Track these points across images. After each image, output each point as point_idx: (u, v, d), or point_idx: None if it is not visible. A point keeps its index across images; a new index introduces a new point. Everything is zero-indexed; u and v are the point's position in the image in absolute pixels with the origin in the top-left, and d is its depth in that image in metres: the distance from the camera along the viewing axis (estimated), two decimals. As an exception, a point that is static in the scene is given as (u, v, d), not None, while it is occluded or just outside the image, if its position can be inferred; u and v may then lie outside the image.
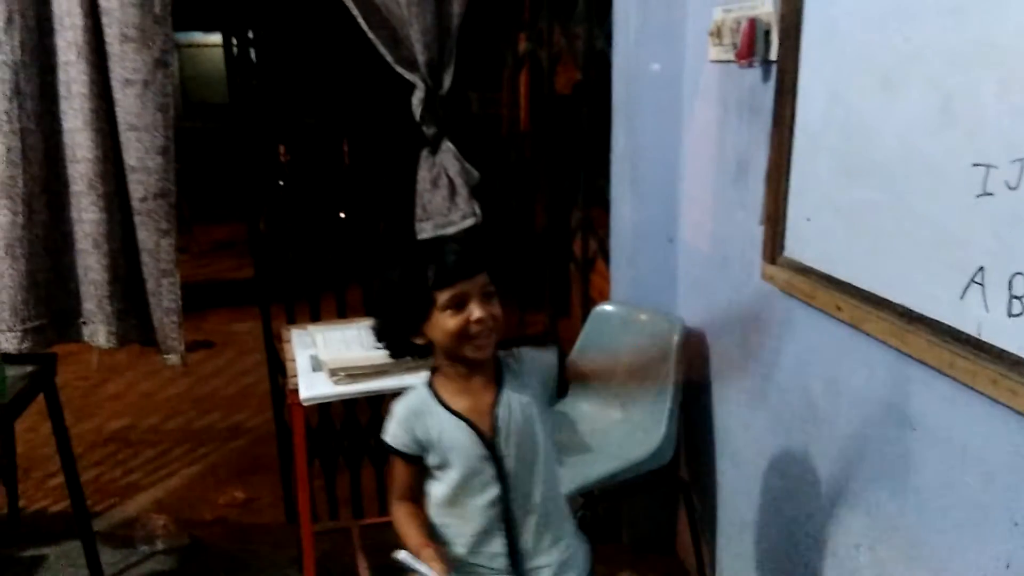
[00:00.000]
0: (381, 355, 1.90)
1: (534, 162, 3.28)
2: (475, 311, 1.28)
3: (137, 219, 2.19)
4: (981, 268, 1.17)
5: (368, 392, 1.90)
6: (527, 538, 1.38)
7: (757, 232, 1.79)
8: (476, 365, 1.34)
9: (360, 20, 2.21)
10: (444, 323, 1.28)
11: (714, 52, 1.98)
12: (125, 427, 3.64)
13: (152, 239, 2.19)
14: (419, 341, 1.33)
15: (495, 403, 1.35)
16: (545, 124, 2.94)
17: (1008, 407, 1.13)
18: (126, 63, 2.05)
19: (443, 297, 1.27)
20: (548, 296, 2.87)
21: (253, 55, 2.59)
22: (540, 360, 1.44)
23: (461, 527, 1.38)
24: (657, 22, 2.16)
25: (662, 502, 2.52)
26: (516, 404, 1.36)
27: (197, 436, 3.54)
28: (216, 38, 6.98)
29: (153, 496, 3.01)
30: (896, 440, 1.41)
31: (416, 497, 1.40)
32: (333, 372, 1.88)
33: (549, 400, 1.43)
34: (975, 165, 1.16)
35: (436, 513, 1.39)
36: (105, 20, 2.04)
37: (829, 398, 1.61)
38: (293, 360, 2.03)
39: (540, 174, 3.17)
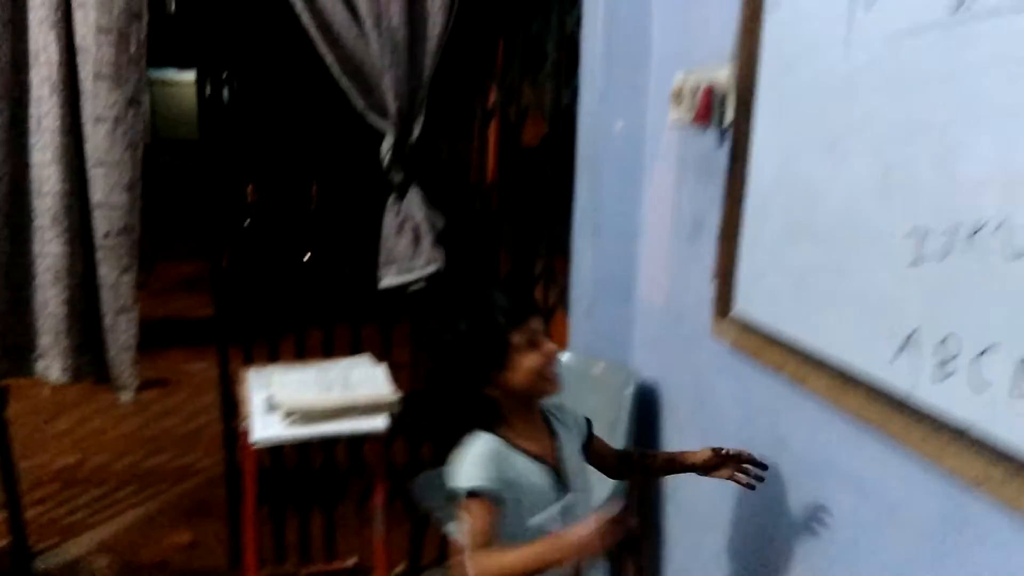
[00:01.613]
0: (338, 397, 1.92)
1: (500, 211, 3.34)
2: (549, 345, 1.33)
3: (99, 254, 2.18)
4: (913, 331, 1.23)
5: (324, 435, 1.90)
6: None
7: (709, 289, 1.85)
8: (538, 408, 1.38)
9: (333, 68, 2.27)
10: (525, 363, 1.30)
11: (674, 114, 2.05)
12: (72, 464, 3.55)
13: (113, 274, 2.19)
14: (493, 393, 1.32)
15: (557, 447, 1.39)
16: (512, 174, 3.01)
17: (936, 467, 1.18)
18: (98, 101, 2.07)
19: (518, 338, 1.30)
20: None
21: (226, 94, 2.62)
22: (577, 418, 1.50)
23: None
24: (621, 82, 2.24)
25: (610, 553, 2.52)
26: (571, 451, 1.42)
27: (145, 476, 3.47)
28: (189, 76, 7.01)
29: (97, 536, 2.94)
30: (834, 498, 1.45)
31: (497, 543, 1.31)
32: (288, 413, 1.88)
33: None
34: (910, 233, 1.22)
35: None
36: (80, 58, 2.06)
37: (775, 453, 1.65)
38: (248, 400, 2.03)
39: (505, 222, 3.23)
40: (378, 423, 1.90)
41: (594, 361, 2.36)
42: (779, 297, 1.59)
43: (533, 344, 1.31)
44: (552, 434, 1.41)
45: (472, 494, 1.28)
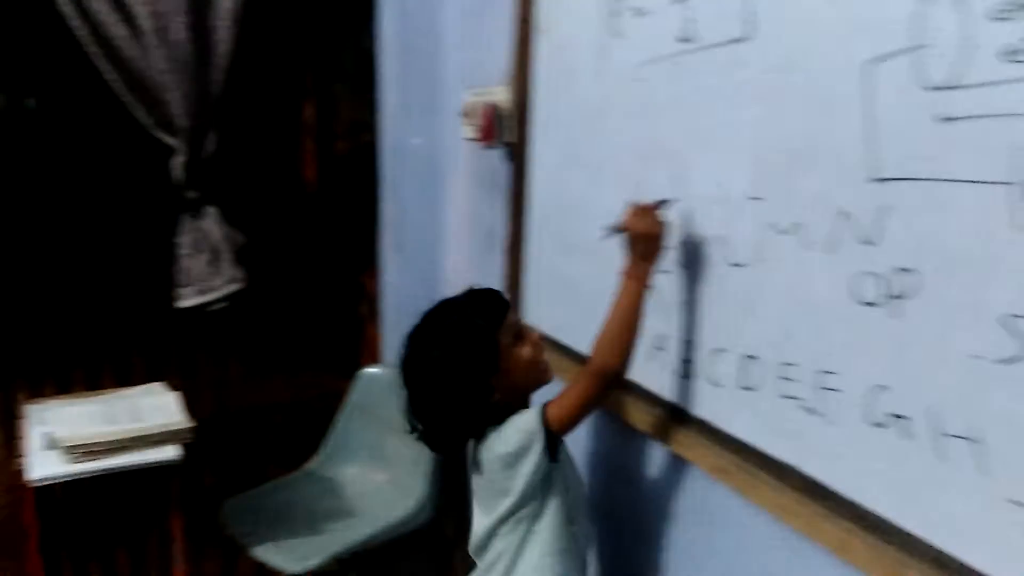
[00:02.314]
0: (123, 429, 1.84)
1: (319, 224, 3.29)
2: (533, 333, 1.31)
3: None
4: (662, 336, 1.34)
5: (109, 469, 1.80)
6: None
7: (502, 300, 1.92)
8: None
9: (115, 84, 2.16)
10: (518, 357, 1.27)
11: (466, 131, 2.12)
12: None
13: None
14: (496, 398, 1.26)
15: None
16: (328, 188, 2.98)
17: (686, 457, 1.30)
18: None
19: (505, 335, 1.26)
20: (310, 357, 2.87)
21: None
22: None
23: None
24: (417, 99, 2.29)
25: (433, 562, 2.56)
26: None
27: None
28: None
29: None
30: (614, 489, 1.55)
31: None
32: (69, 450, 1.78)
33: None
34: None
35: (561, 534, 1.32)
36: None
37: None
38: (26, 438, 1.90)
39: (325, 236, 3.20)
40: (169, 453, 1.83)
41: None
42: (557, 307, 1.68)
43: (519, 337, 1.28)
44: None
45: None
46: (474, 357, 1.24)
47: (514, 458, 1.25)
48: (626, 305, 1.22)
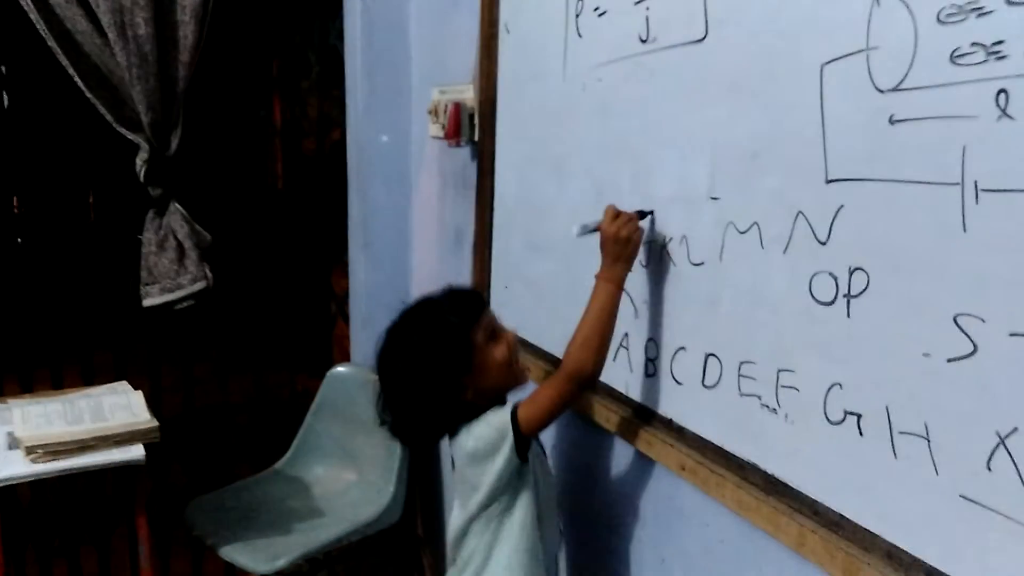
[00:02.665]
0: (86, 428, 1.81)
1: (289, 221, 3.28)
2: (508, 334, 1.29)
3: None
4: (626, 334, 1.35)
5: (71, 470, 1.78)
6: None
7: (470, 297, 1.92)
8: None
9: (77, 80, 2.13)
10: (492, 356, 1.26)
11: (433, 129, 2.11)
12: None
13: None
14: (468, 397, 1.26)
15: None
16: (296, 185, 2.96)
17: (648, 454, 1.31)
18: None
19: (479, 333, 1.25)
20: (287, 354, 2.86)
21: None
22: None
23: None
24: (383, 96, 2.28)
25: (402, 561, 2.55)
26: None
27: None
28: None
29: None
30: (584, 486, 1.56)
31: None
32: (30, 450, 1.75)
33: None
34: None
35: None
36: None
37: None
38: (-14, 439, 1.86)
39: (294, 233, 3.18)
40: (134, 453, 1.81)
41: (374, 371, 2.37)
42: (523, 305, 1.68)
43: (494, 337, 1.27)
44: None
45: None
46: (446, 354, 1.24)
47: (483, 455, 1.26)
48: (599, 308, 1.23)
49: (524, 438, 1.25)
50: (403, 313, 1.33)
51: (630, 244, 1.23)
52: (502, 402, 1.30)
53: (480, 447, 1.25)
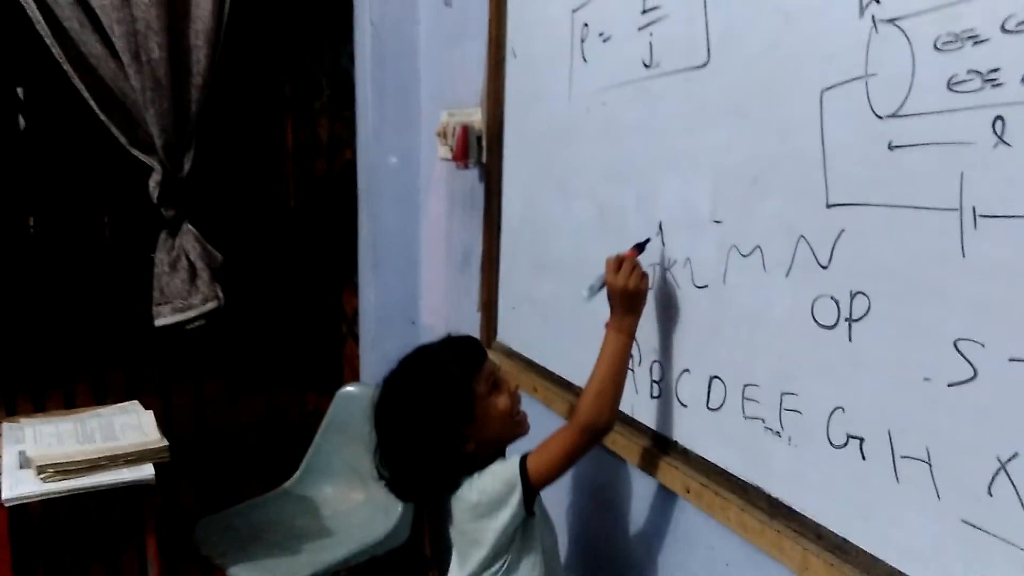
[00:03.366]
0: (97, 448, 1.83)
1: (300, 242, 3.30)
2: (510, 383, 1.27)
3: None
4: (631, 356, 1.35)
5: (82, 489, 1.79)
6: None
7: (477, 318, 1.93)
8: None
9: (91, 102, 2.17)
10: (495, 407, 1.23)
11: (442, 151, 2.13)
12: None
13: None
14: (469, 448, 1.22)
15: None
16: (310, 205, 2.99)
17: (653, 476, 1.31)
18: None
19: (481, 384, 1.22)
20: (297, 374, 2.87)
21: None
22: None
23: None
24: (393, 118, 2.30)
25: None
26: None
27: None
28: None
29: None
30: (578, 503, 1.56)
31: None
32: (41, 469, 1.76)
33: None
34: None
35: None
36: None
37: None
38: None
39: (305, 253, 3.20)
40: (144, 472, 1.82)
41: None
42: (530, 326, 1.69)
43: (496, 387, 1.24)
44: None
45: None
46: (448, 405, 1.20)
47: (488, 508, 1.22)
48: (611, 358, 1.21)
49: (532, 490, 1.22)
50: (401, 362, 1.28)
51: (639, 295, 1.22)
52: (502, 454, 1.27)
53: (484, 500, 1.22)
